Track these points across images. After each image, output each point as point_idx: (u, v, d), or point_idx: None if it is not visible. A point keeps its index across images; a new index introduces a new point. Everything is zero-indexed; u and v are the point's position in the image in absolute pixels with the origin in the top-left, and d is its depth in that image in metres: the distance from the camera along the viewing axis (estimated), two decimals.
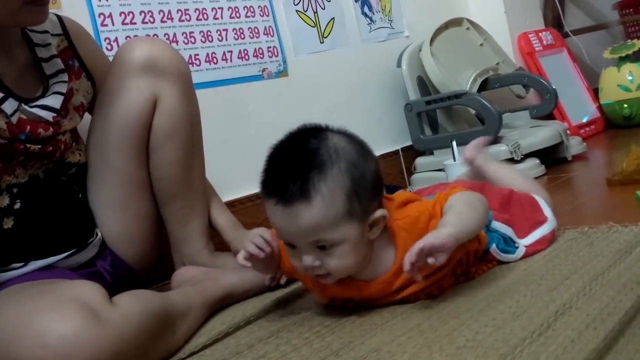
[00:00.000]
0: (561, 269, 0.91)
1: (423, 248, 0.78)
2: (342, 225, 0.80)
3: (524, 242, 1.01)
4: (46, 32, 1.06)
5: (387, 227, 0.86)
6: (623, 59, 2.33)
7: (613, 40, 2.73)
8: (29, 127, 0.97)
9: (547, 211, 1.07)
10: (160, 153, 1.11)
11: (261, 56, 1.66)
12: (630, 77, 2.29)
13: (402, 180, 1.98)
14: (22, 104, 0.96)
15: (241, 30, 1.63)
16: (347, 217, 0.80)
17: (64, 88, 1.04)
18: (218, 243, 1.21)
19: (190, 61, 1.51)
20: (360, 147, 0.84)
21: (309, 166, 0.80)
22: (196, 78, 1.29)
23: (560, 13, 2.57)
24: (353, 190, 0.80)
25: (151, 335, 0.84)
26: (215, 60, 1.57)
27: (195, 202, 1.16)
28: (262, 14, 1.68)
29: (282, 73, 1.72)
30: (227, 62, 1.59)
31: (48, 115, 1.00)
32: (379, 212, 0.84)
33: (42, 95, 1.01)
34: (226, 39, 1.59)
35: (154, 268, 1.23)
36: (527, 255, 1.00)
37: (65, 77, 1.05)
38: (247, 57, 1.63)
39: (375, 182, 0.84)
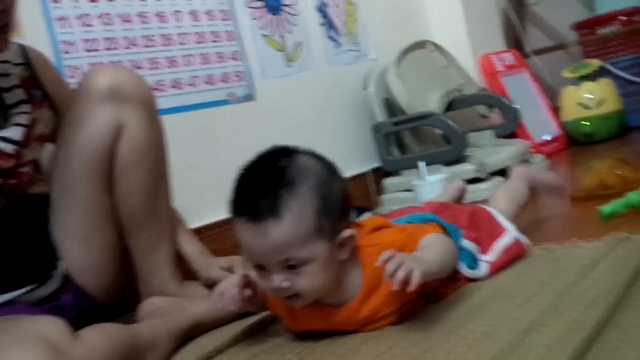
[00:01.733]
0: (529, 285, 0.92)
1: (399, 263, 0.77)
2: (311, 242, 0.80)
3: (486, 258, 1.02)
4: (7, 61, 1.05)
5: (356, 252, 0.86)
6: (582, 78, 2.40)
7: (572, 60, 2.80)
8: None
9: (505, 224, 1.08)
10: (124, 181, 1.10)
11: (228, 81, 1.67)
12: (589, 96, 2.36)
13: (371, 201, 1.99)
14: None
15: (207, 55, 1.63)
16: (317, 235, 0.80)
17: (25, 119, 1.03)
18: (186, 271, 1.19)
19: (155, 87, 1.50)
20: (328, 167, 0.86)
21: (278, 183, 0.80)
22: (162, 103, 1.28)
23: (521, 34, 2.64)
24: (322, 208, 0.81)
25: None
26: (181, 85, 1.56)
27: (162, 231, 1.15)
28: (228, 38, 1.68)
29: (250, 97, 1.72)
30: (193, 87, 1.58)
31: (8, 148, 0.99)
32: (347, 232, 0.84)
33: (2, 127, 1.00)
34: (192, 64, 1.59)
35: (120, 300, 1.20)
36: (495, 269, 1.01)
37: (27, 107, 1.04)
38: (213, 81, 1.63)
39: (344, 201, 0.85)
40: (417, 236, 0.89)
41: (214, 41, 1.65)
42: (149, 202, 1.12)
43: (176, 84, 1.55)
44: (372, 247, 0.86)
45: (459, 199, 1.35)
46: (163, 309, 1.07)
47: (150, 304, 1.11)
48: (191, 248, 1.20)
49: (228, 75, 1.67)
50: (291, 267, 0.81)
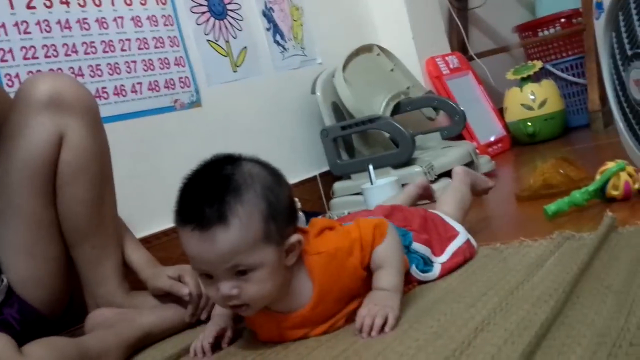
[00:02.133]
0: (478, 285, 0.93)
1: (373, 317, 0.83)
2: (259, 248, 0.80)
3: (440, 260, 1.03)
4: None
5: (303, 259, 0.86)
6: (525, 80, 2.46)
7: (515, 62, 2.88)
8: None
9: (458, 227, 1.10)
10: (67, 191, 1.07)
11: (172, 87, 1.63)
12: (532, 97, 2.42)
13: (321, 205, 1.99)
14: None
15: (150, 61, 1.59)
16: (265, 241, 0.80)
17: None
18: (134, 282, 1.17)
19: (97, 94, 1.46)
20: (273, 173, 0.85)
21: (224, 190, 0.79)
22: (104, 112, 1.25)
23: (465, 37, 2.69)
24: (269, 214, 0.80)
25: None
26: (124, 92, 1.52)
27: (107, 241, 1.12)
28: (171, 44, 1.65)
29: (195, 103, 1.69)
30: (136, 94, 1.54)
31: None
32: (294, 237, 0.84)
33: None
34: (135, 71, 1.55)
35: (66, 312, 1.17)
36: (445, 270, 1.02)
37: None
38: (157, 88, 1.59)
39: (290, 207, 0.85)
40: (367, 240, 0.88)
41: (157, 47, 1.61)
42: (94, 212, 1.09)
43: (119, 91, 1.51)
44: (318, 255, 0.86)
45: (425, 197, 1.35)
46: (111, 320, 1.05)
47: (97, 316, 1.09)
48: (138, 257, 1.17)
49: (172, 82, 1.63)
50: (239, 273, 0.80)
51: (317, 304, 0.86)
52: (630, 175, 1.20)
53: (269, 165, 0.86)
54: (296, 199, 1.43)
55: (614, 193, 1.21)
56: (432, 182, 1.75)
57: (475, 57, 2.67)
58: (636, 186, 1.21)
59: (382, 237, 0.89)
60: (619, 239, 0.98)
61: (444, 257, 1.04)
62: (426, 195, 1.38)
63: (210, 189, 0.80)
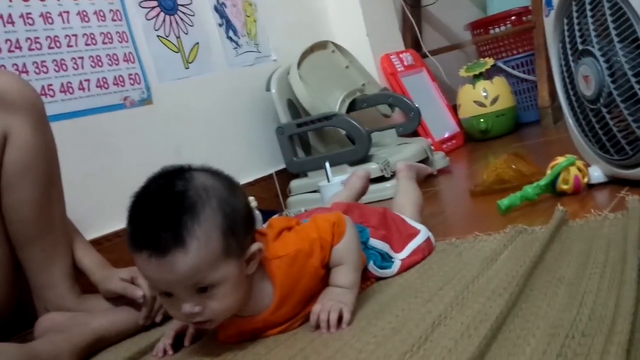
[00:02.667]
0: (435, 280, 0.94)
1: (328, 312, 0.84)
2: (220, 264, 0.77)
3: (400, 256, 1.04)
4: None
5: (262, 263, 0.85)
6: (477, 77, 2.49)
7: (467, 59, 2.92)
8: None
9: (416, 225, 1.11)
10: (13, 193, 1.03)
11: (122, 84, 1.59)
12: (484, 94, 2.46)
13: (278, 203, 1.97)
14: None
15: (98, 58, 1.54)
16: (225, 256, 0.77)
17: None
18: (85, 285, 1.13)
19: (43, 92, 1.40)
20: (227, 182, 0.82)
21: (179, 210, 0.75)
22: (51, 110, 1.21)
23: (418, 35, 2.71)
24: (228, 228, 0.78)
25: None
26: (71, 90, 1.47)
27: (56, 244, 1.09)
28: (120, 40, 1.60)
29: (146, 101, 1.65)
30: (84, 91, 1.49)
31: None
32: (254, 246, 0.82)
33: None
34: (82, 67, 1.49)
35: (14, 317, 1.13)
36: (404, 267, 1.02)
37: None
38: (106, 85, 1.55)
39: (247, 216, 0.83)
40: (327, 239, 0.87)
41: (105, 43, 1.56)
42: (41, 213, 1.06)
43: (65, 89, 1.46)
44: (279, 259, 0.85)
45: (364, 189, 1.35)
46: (62, 325, 1.02)
47: (47, 320, 1.05)
48: (89, 260, 1.14)
49: (122, 79, 1.59)
50: (201, 290, 0.78)
51: (279, 308, 0.86)
52: (579, 169, 1.23)
53: (222, 174, 0.83)
54: (252, 198, 1.42)
55: (564, 187, 1.23)
56: (389, 179, 1.76)
57: (428, 54, 2.69)
58: (585, 180, 1.24)
59: (340, 236, 0.88)
60: (570, 232, 1.00)
61: (404, 253, 1.04)
62: (365, 187, 1.37)
63: (163, 211, 0.76)
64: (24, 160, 1.02)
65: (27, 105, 1.03)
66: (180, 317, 0.82)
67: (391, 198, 1.38)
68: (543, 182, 1.24)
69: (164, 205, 0.76)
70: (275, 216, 1.61)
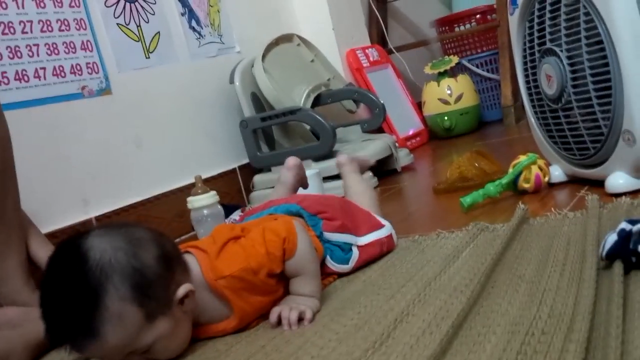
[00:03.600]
0: (397, 277, 0.93)
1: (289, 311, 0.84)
2: (147, 330, 0.76)
3: (360, 241, 1.02)
4: None
5: (208, 283, 0.83)
6: (442, 74, 2.50)
7: (432, 56, 2.93)
8: None
9: (382, 220, 1.10)
10: None
11: (79, 73, 1.54)
12: (448, 91, 2.47)
13: (241, 198, 1.95)
14: None
15: (55, 45, 1.49)
16: (149, 320, 0.75)
17: None
18: (40, 278, 1.09)
19: None
20: (129, 243, 0.77)
21: (82, 302, 0.73)
22: (4, 98, 1.17)
23: (384, 30, 2.71)
24: (140, 296, 0.74)
25: None
26: (26, 78, 1.42)
27: (10, 237, 1.05)
28: (77, 27, 1.55)
29: (105, 90, 1.60)
30: (40, 79, 1.44)
31: None
32: (182, 290, 0.79)
33: None
34: (38, 55, 1.44)
35: None
36: (361, 262, 1.02)
37: None
38: (63, 74, 1.50)
39: (162, 267, 0.78)
40: (276, 255, 0.84)
41: (62, 30, 1.51)
42: None
43: (20, 77, 1.41)
44: (224, 279, 0.82)
45: (299, 179, 1.29)
46: (16, 320, 0.99)
47: (1, 315, 1.02)
48: (45, 254, 1.09)
49: (79, 67, 1.54)
50: (141, 352, 0.77)
51: (241, 321, 0.86)
52: (540, 168, 1.24)
53: (121, 228, 0.80)
54: (214, 192, 1.39)
55: (526, 186, 1.24)
56: None
57: (394, 50, 2.69)
58: (546, 179, 1.25)
59: (292, 251, 0.86)
60: (531, 230, 1.01)
61: (364, 239, 1.03)
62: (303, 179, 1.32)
63: (68, 306, 0.74)
64: None
65: None
66: None
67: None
68: (505, 180, 1.25)
69: (68, 300, 0.74)
70: (238, 211, 1.59)
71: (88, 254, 0.74)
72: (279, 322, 0.84)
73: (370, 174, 1.80)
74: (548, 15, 1.14)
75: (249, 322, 0.88)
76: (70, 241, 0.77)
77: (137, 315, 0.74)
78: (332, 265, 0.99)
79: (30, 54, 1.43)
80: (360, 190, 1.24)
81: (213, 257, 0.84)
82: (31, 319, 0.98)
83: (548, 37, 1.14)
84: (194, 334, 0.85)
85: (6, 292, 1.05)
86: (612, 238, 0.75)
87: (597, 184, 1.14)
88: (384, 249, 1.06)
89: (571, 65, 1.10)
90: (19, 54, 1.41)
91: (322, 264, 0.98)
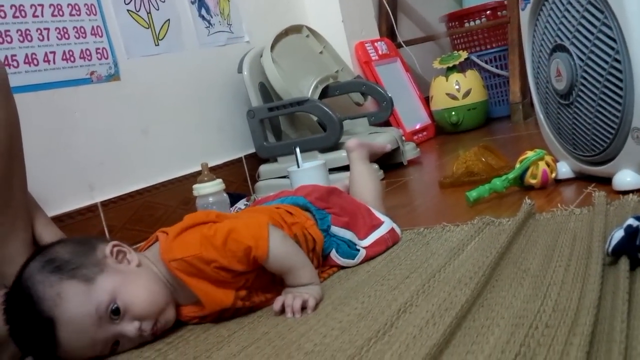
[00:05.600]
0: (401, 268, 0.94)
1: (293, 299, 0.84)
2: (93, 291, 0.79)
3: (363, 243, 1.03)
4: None
5: (163, 262, 0.85)
6: (450, 69, 2.50)
7: (441, 51, 2.92)
8: None
9: (382, 217, 1.09)
10: None
11: (89, 58, 1.54)
12: (457, 86, 2.46)
13: (247, 187, 1.95)
14: None
15: (65, 30, 1.49)
16: (90, 282, 0.80)
17: None
18: None
19: (6, 62, 1.36)
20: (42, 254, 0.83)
21: (30, 309, 0.78)
22: (14, 81, 1.16)
23: (394, 24, 2.70)
24: (66, 272, 0.80)
25: None
26: (35, 61, 1.42)
27: (16, 218, 1.05)
28: (88, 12, 1.55)
29: (114, 76, 1.60)
30: (49, 63, 1.44)
31: None
32: (107, 248, 0.86)
33: None
34: (48, 39, 1.44)
35: None
36: (367, 257, 1.02)
37: None
38: (72, 58, 1.50)
39: (76, 248, 0.85)
40: (234, 250, 0.83)
41: (73, 15, 1.51)
42: (1, 188, 1.01)
43: (30, 60, 1.41)
44: (175, 261, 0.84)
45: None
46: None
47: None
48: (50, 237, 1.11)
49: (89, 52, 1.54)
50: (114, 313, 0.80)
51: (203, 298, 0.86)
52: (548, 164, 1.24)
53: (40, 252, 0.85)
54: (220, 180, 1.40)
55: (532, 181, 1.24)
56: None
57: (403, 44, 2.69)
58: (553, 175, 1.25)
59: (263, 257, 0.84)
60: (536, 225, 1.01)
61: (367, 241, 1.03)
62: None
63: (25, 335, 0.80)
64: None
65: None
66: (137, 340, 0.84)
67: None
68: (511, 175, 1.25)
69: (21, 321, 0.80)
70: (243, 200, 1.59)
71: (17, 283, 0.81)
72: (283, 311, 0.84)
73: (376, 166, 1.80)
74: (559, 10, 1.13)
75: (214, 305, 0.86)
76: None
77: (73, 285, 0.79)
78: (338, 259, 1.00)
79: (41, 37, 1.43)
80: (364, 182, 1.22)
81: (170, 239, 0.85)
82: None
83: (559, 33, 1.14)
84: (180, 314, 0.88)
85: (11, 273, 1.05)
86: (618, 234, 0.74)
87: (605, 182, 1.13)
88: (389, 244, 1.06)
89: (582, 61, 1.09)
90: (29, 38, 1.41)
91: (326, 256, 0.99)
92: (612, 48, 1.02)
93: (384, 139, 1.88)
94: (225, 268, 0.83)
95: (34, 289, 0.78)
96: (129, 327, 0.81)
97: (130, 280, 0.82)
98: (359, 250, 1.01)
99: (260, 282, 0.89)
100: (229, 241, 0.83)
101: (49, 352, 0.79)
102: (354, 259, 1.00)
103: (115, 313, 0.80)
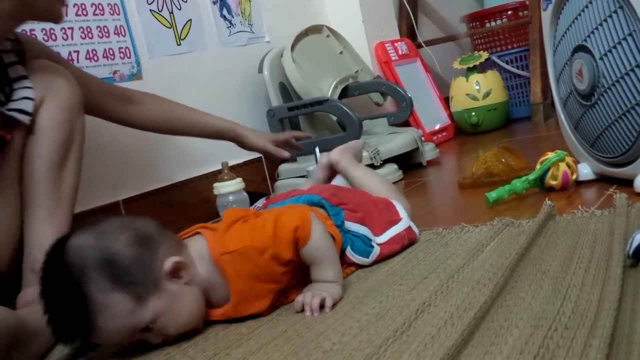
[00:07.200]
0: (420, 268, 0.93)
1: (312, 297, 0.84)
2: (141, 311, 0.78)
3: (379, 240, 1.02)
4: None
5: (212, 258, 0.84)
6: (471, 69, 2.48)
7: (461, 51, 2.91)
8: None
9: (402, 213, 1.08)
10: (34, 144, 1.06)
11: (112, 57, 1.56)
12: (477, 87, 2.45)
13: (266, 186, 1.96)
14: None
15: (89, 29, 1.52)
16: (140, 302, 0.78)
17: (30, 93, 1.04)
18: None
19: None
20: (96, 233, 0.80)
21: (72, 306, 0.77)
22: None
23: (414, 24, 2.70)
24: (121, 283, 0.77)
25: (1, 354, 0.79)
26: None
27: (59, 206, 1.07)
28: (112, 12, 1.58)
29: (136, 75, 1.63)
30: (73, 62, 1.47)
31: (25, 119, 1.02)
32: (168, 264, 0.81)
33: (10, 100, 1.03)
34: (72, 38, 1.47)
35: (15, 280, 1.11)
36: (382, 256, 1.01)
37: (28, 82, 1.05)
38: (96, 57, 1.52)
39: (137, 249, 0.80)
40: (285, 240, 0.84)
41: (96, 14, 1.53)
42: (51, 171, 1.06)
43: None
44: (228, 254, 0.83)
45: (329, 179, 1.28)
46: None
47: (32, 293, 1.00)
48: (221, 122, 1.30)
49: (112, 52, 1.56)
50: (149, 329, 0.80)
51: (240, 302, 0.86)
52: (568, 165, 1.23)
53: (91, 230, 0.81)
54: (239, 179, 1.40)
55: (553, 182, 1.23)
56: (378, 167, 1.75)
57: (423, 44, 2.68)
58: (574, 176, 1.24)
59: (305, 239, 0.85)
60: (556, 226, 1.00)
61: (383, 238, 1.02)
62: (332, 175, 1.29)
63: (62, 313, 0.78)
64: (55, 118, 1.06)
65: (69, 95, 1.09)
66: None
67: None
68: (532, 176, 1.24)
69: (60, 308, 0.78)
70: (262, 199, 1.60)
71: (66, 260, 0.77)
72: (302, 309, 0.85)
73: (395, 166, 1.80)
74: (581, 11, 1.12)
75: (244, 311, 0.87)
76: (52, 251, 0.80)
77: (124, 300, 0.77)
78: (352, 257, 0.99)
79: (65, 37, 1.46)
80: (371, 182, 1.17)
81: (221, 234, 0.85)
82: None
83: (580, 33, 1.13)
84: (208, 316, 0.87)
85: (42, 257, 1.07)
86: (639, 236, 0.74)
87: (626, 183, 1.12)
88: (405, 243, 1.05)
89: (603, 62, 1.08)
90: (53, 37, 1.43)
91: (342, 254, 0.99)
92: (635, 49, 1.01)
93: (403, 139, 1.88)
94: (277, 257, 0.84)
95: (85, 286, 0.76)
96: (156, 339, 0.82)
97: (176, 304, 0.81)
98: (373, 247, 1.01)
99: (289, 283, 0.89)
100: (278, 228, 0.84)
101: (80, 336, 0.80)
102: (368, 257, 1.00)
103: (150, 329, 0.81)
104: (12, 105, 1.03)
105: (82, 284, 0.76)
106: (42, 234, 1.06)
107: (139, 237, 0.81)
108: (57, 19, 1.10)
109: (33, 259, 1.06)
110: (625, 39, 1.03)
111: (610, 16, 1.05)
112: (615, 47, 1.05)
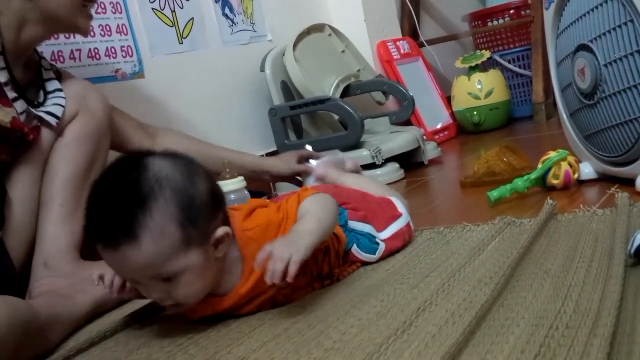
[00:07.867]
0: (421, 267, 0.94)
1: (275, 257, 0.77)
2: (180, 255, 0.77)
3: (382, 236, 1.02)
4: (44, 58, 1.21)
5: (234, 238, 0.84)
6: (473, 68, 2.48)
7: (463, 50, 2.91)
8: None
9: (400, 208, 1.09)
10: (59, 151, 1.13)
11: (114, 56, 1.56)
12: (479, 86, 2.45)
13: (267, 186, 1.96)
14: (29, 107, 1.09)
15: (91, 28, 1.51)
16: (185, 246, 0.77)
17: (62, 101, 1.14)
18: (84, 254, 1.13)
19: None
20: (187, 168, 0.79)
21: (130, 203, 0.74)
22: None
23: (416, 23, 2.69)
24: (186, 218, 0.76)
25: (15, 344, 0.80)
26: (61, 59, 1.45)
27: (77, 208, 1.09)
28: (114, 10, 1.58)
29: (138, 74, 1.63)
30: (75, 61, 1.47)
31: (52, 120, 1.10)
32: (220, 231, 0.80)
33: (44, 104, 1.12)
34: (74, 36, 1.47)
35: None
36: (387, 252, 1.02)
37: (62, 94, 1.15)
38: (98, 56, 1.52)
39: (211, 201, 0.80)
40: (294, 206, 0.88)
41: (98, 13, 1.53)
42: (74, 175, 1.11)
43: (56, 58, 1.44)
44: (249, 230, 0.84)
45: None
46: (62, 290, 1.02)
47: (46, 284, 1.05)
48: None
49: (114, 50, 1.56)
50: (165, 279, 0.78)
51: (247, 279, 0.85)
52: (570, 164, 1.23)
53: (182, 159, 0.81)
54: (241, 178, 1.40)
55: (554, 182, 1.23)
56: (380, 166, 1.75)
57: (425, 43, 2.68)
58: (576, 176, 1.24)
59: (305, 197, 0.89)
60: (558, 225, 1.00)
61: (386, 233, 1.03)
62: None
63: (115, 204, 0.75)
64: (87, 130, 1.14)
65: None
66: (152, 300, 0.83)
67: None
68: (533, 175, 1.24)
69: (116, 197, 0.75)
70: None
71: (148, 164, 0.77)
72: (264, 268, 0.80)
73: (397, 165, 1.80)
74: (584, 11, 1.12)
75: (253, 293, 0.85)
76: (133, 154, 0.80)
77: (176, 235, 0.76)
78: (359, 254, 1.00)
79: (67, 35, 1.46)
80: (368, 185, 1.18)
81: (243, 215, 0.86)
82: (77, 290, 1.03)
83: (583, 32, 1.13)
84: (210, 310, 0.86)
85: (54, 250, 1.08)
86: None
87: (628, 183, 1.12)
88: (406, 238, 1.06)
89: (605, 61, 1.08)
90: (55, 36, 1.43)
91: (348, 252, 0.99)
92: (637, 48, 1.01)
93: (405, 138, 1.88)
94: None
95: (153, 197, 0.74)
96: (156, 295, 0.80)
97: (202, 271, 0.80)
98: (378, 244, 1.01)
99: (298, 282, 0.88)
100: (290, 204, 0.88)
101: (112, 239, 0.75)
102: (374, 254, 1.00)
103: (165, 279, 0.78)
104: (43, 108, 1.11)
105: (150, 194, 0.74)
106: (59, 231, 1.08)
107: (216, 193, 0.82)
108: (79, 30, 1.19)
109: (46, 254, 1.08)
110: (632, 54, 1.02)
111: (620, 26, 1.04)
112: (621, 59, 1.04)
